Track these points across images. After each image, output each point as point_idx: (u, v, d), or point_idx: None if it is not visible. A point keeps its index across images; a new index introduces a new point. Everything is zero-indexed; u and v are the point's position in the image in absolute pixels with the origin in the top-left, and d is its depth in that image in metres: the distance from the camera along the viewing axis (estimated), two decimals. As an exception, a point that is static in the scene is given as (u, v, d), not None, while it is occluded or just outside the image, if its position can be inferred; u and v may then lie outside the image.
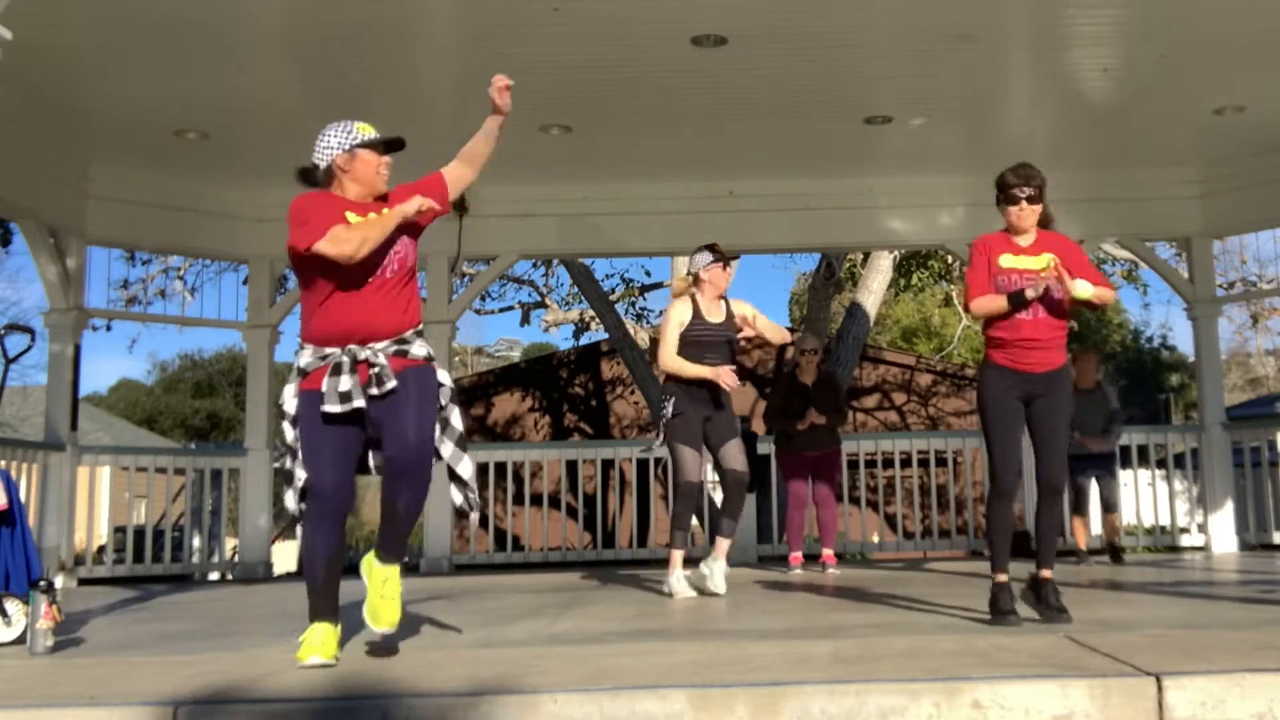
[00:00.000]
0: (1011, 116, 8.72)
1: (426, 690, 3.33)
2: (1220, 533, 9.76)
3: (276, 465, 4.20)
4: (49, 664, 4.17)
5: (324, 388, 3.93)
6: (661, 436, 6.46)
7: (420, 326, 4.17)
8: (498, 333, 72.69)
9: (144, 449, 17.03)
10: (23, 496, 5.68)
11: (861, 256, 17.02)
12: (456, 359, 24.30)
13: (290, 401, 4.07)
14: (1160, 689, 3.12)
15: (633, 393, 19.99)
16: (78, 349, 9.25)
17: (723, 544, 6.44)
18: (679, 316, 6.48)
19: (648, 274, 19.63)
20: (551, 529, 10.42)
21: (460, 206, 9.77)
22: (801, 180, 9.71)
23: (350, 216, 4.07)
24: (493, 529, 17.37)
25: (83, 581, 9.07)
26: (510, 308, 19.74)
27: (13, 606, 4.62)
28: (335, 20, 6.71)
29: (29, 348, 5.67)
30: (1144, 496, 10.39)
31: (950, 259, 16.54)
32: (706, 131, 8.69)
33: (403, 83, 7.66)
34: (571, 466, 10.73)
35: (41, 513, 8.62)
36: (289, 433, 4.09)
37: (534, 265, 18.54)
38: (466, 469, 4.15)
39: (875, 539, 13.20)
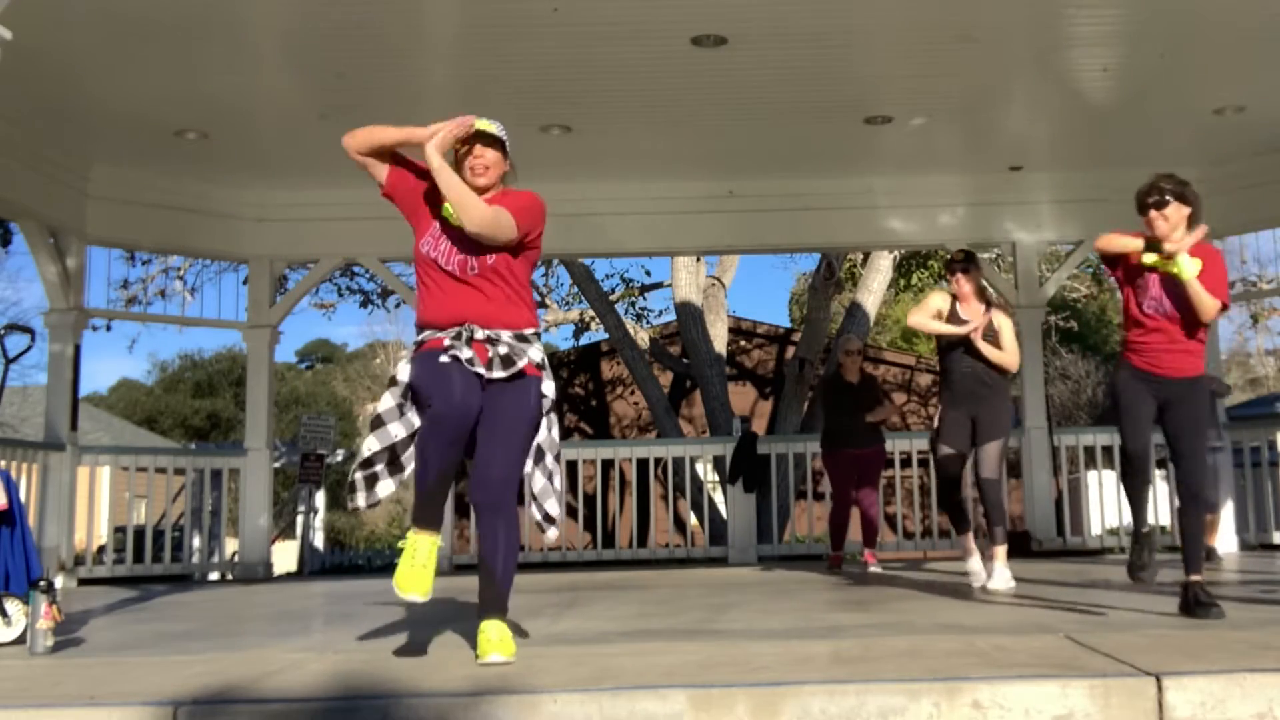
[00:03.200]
0: (1011, 116, 8.72)
1: (426, 690, 3.33)
2: (1220, 533, 9.75)
3: (365, 456, 4.04)
4: (49, 664, 4.17)
5: (445, 343, 3.85)
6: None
7: (539, 328, 4.08)
8: (498, 333, 72.51)
9: (144, 449, 17.04)
10: (23, 496, 5.67)
11: (861, 256, 17.03)
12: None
13: (404, 370, 3.96)
14: (1160, 689, 3.12)
15: (633, 393, 19.99)
16: (78, 349, 9.25)
17: (995, 550, 6.45)
18: (937, 306, 6.57)
19: (648, 274, 19.65)
20: (551, 529, 10.40)
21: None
22: (801, 180, 9.71)
23: (446, 208, 3.98)
24: (493, 529, 17.33)
25: (83, 581, 9.07)
26: (510, 308, 19.69)
27: (13, 606, 4.62)
28: (335, 20, 6.71)
29: (29, 348, 5.67)
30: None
31: (950, 259, 16.54)
32: (706, 131, 8.69)
33: (403, 83, 7.66)
34: (571, 466, 10.72)
35: (41, 513, 8.62)
36: (387, 401, 3.97)
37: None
38: (538, 483, 4.02)
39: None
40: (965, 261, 6.58)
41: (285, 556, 16.52)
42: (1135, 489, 4.87)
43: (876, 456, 8.52)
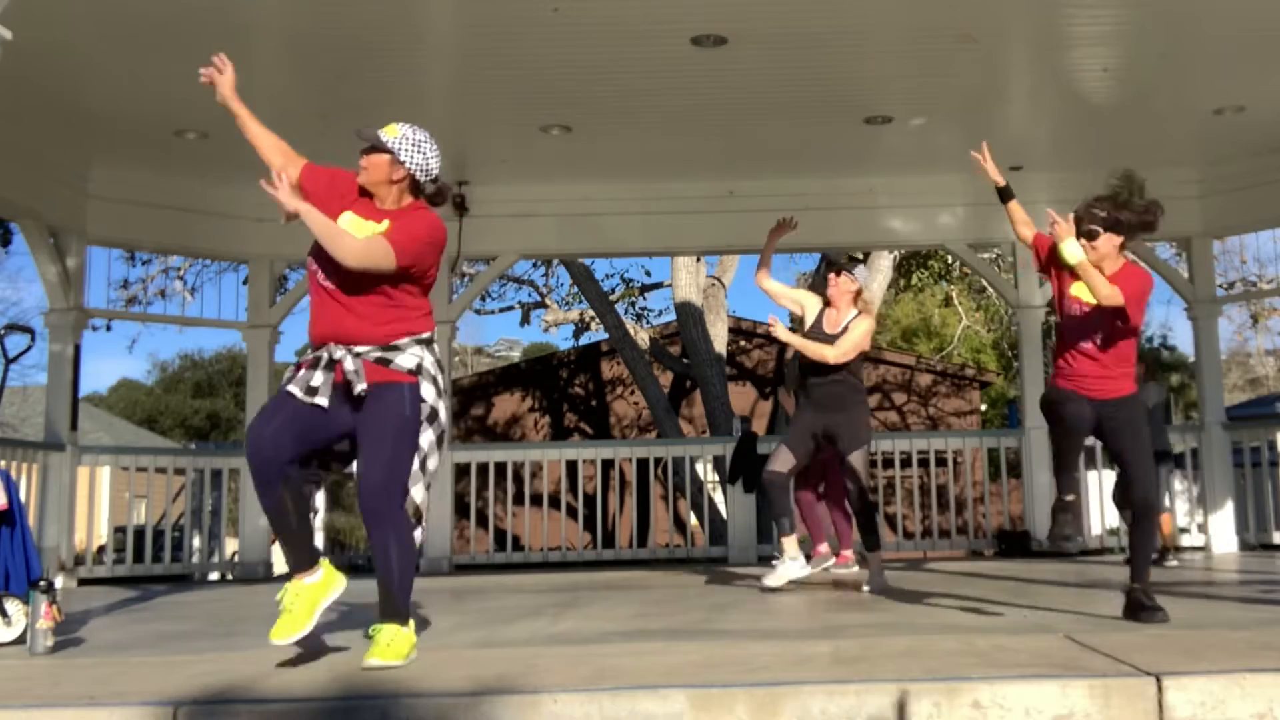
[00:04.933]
0: (1011, 116, 8.71)
1: (426, 690, 3.33)
2: (1220, 533, 9.75)
3: None
4: (49, 664, 4.17)
5: (299, 374, 3.90)
6: None
7: (425, 334, 4.01)
8: (498, 333, 72.63)
9: (144, 449, 17.04)
10: (23, 496, 5.67)
11: (862, 256, 17.02)
12: (456, 359, 24.31)
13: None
14: (1160, 689, 3.12)
15: (633, 393, 19.99)
16: (78, 349, 9.24)
17: (869, 557, 6.57)
18: (806, 304, 6.76)
19: (648, 274, 19.66)
20: (551, 529, 10.42)
21: (460, 206, 9.78)
22: (801, 180, 9.69)
23: (348, 215, 4.03)
24: (493, 529, 17.35)
25: (83, 581, 9.06)
26: (510, 308, 19.77)
27: (13, 606, 4.62)
28: (336, 20, 6.70)
29: (29, 348, 5.66)
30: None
31: (950, 259, 16.55)
32: (706, 131, 8.69)
33: (403, 83, 7.66)
34: (571, 466, 10.73)
35: (41, 513, 8.61)
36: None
37: (534, 265, 18.55)
38: (419, 494, 3.98)
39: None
40: (846, 263, 6.76)
41: (285, 556, 16.53)
42: (1061, 445, 4.88)
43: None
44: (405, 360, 3.92)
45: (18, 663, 4.16)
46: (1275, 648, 3.65)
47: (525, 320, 19.84)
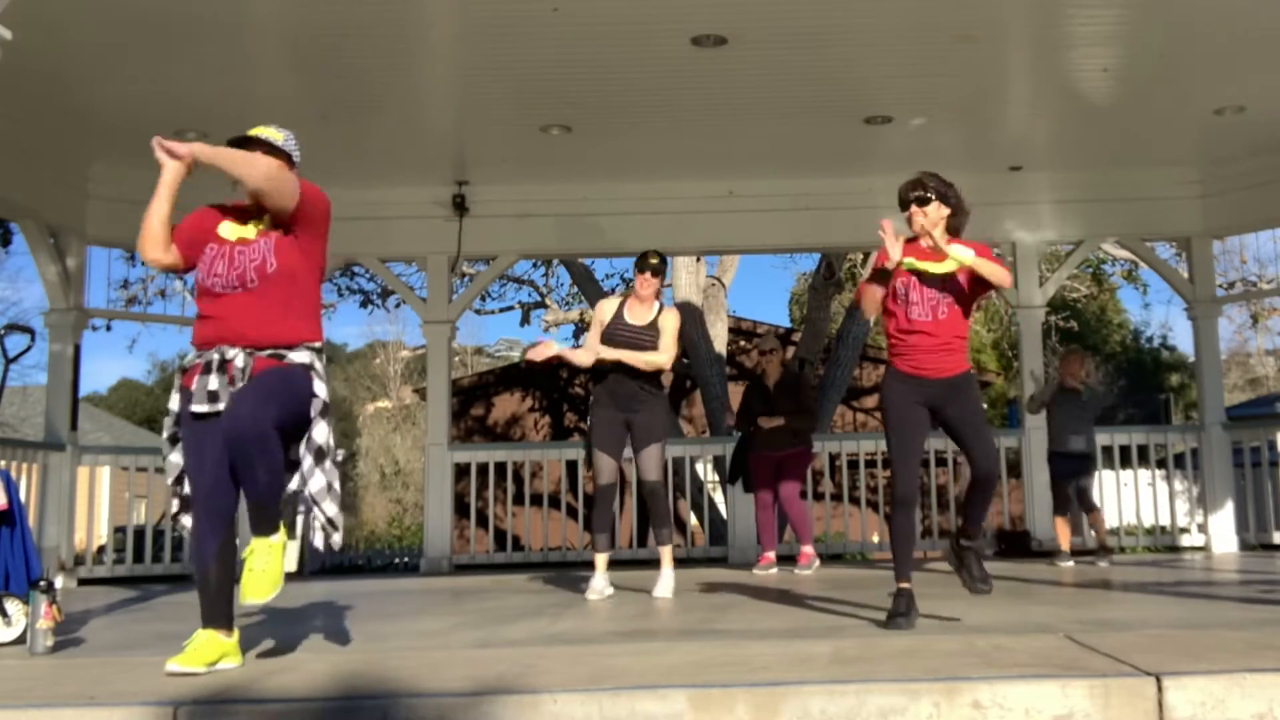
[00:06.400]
0: (1011, 116, 8.72)
1: (426, 690, 3.33)
2: (1220, 533, 9.76)
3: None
4: (49, 664, 4.17)
5: (194, 387, 3.86)
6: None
7: (316, 343, 3.99)
8: (498, 333, 72.73)
9: (144, 449, 16.99)
10: (23, 496, 5.67)
11: (861, 256, 17.02)
12: (457, 359, 24.29)
13: (174, 398, 4.01)
14: (1160, 689, 3.12)
15: (633, 393, 19.96)
16: (78, 349, 9.25)
17: (662, 551, 6.44)
18: (601, 314, 6.54)
19: (648, 274, 19.61)
20: (551, 529, 10.42)
21: (460, 206, 9.79)
22: (801, 180, 9.71)
23: (225, 224, 4.06)
24: (493, 529, 17.36)
25: (83, 581, 9.07)
26: (510, 308, 19.75)
27: (13, 606, 4.63)
28: (335, 20, 6.71)
29: (29, 348, 5.66)
30: (1144, 496, 10.38)
31: (950, 259, 16.54)
32: (706, 131, 8.69)
33: (403, 83, 7.66)
34: (571, 466, 10.72)
35: (41, 513, 8.62)
36: (167, 429, 4.07)
37: (534, 265, 18.54)
38: (316, 483, 3.91)
39: (875, 539, 13.22)
40: (659, 264, 6.51)
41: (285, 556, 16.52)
42: (900, 533, 4.74)
43: (794, 458, 8.33)
44: (297, 356, 3.94)
45: (18, 663, 4.16)
46: (1275, 648, 3.65)
47: (525, 320, 19.83)
